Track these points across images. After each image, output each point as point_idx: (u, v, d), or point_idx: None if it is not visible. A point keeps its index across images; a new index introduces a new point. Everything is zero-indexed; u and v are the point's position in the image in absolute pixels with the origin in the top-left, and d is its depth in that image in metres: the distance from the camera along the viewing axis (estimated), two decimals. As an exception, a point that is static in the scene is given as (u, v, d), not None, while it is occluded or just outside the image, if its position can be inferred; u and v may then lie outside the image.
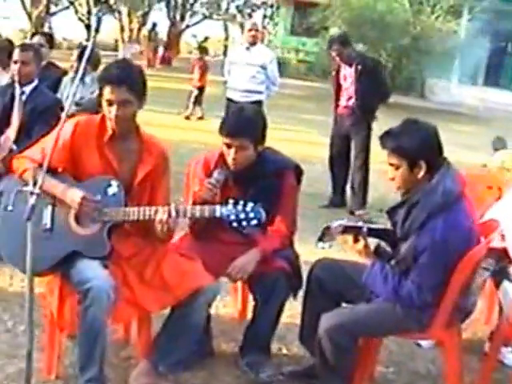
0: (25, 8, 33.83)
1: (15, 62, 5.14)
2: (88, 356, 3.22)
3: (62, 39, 45.96)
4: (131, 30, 29.34)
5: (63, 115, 3.03)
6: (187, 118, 13.98)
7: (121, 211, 3.32)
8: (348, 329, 3.25)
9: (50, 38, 6.78)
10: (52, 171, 3.37)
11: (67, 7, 36.64)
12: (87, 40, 38.37)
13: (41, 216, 3.35)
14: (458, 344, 3.41)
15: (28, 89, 5.12)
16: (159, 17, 36.22)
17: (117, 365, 3.70)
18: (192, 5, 38.65)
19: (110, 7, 29.85)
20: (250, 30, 7.86)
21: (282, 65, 27.53)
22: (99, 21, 3.31)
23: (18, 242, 3.18)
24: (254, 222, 3.25)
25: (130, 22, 29.07)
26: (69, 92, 6.52)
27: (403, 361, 4.07)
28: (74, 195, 3.29)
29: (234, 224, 3.26)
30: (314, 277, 3.63)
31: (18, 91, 5.17)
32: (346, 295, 3.52)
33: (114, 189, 3.35)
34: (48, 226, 3.35)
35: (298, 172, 3.91)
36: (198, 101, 14.23)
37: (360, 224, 3.39)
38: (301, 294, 3.80)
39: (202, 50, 15.62)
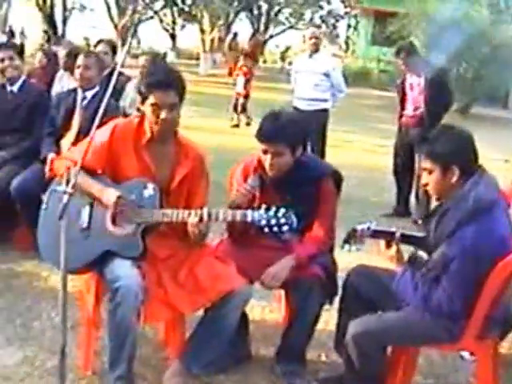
0: (111, 18, 34.79)
1: (78, 67, 5.33)
2: (117, 354, 3.29)
3: (147, 48, 47.10)
4: (212, 40, 29.66)
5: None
6: (236, 125, 13.86)
7: (155, 213, 3.38)
8: (374, 336, 3.21)
9: (113, 46, 6.94)
10: (91, 172, 3.47)
11: (151, 17, 37.34)
12: (172, 49, 39.28)
13: (79, 215, 3.45)
14: (493, 357, 3.32)
15: (89, 94, 5.28)
16: (242, 27, 36.47)
17: (155, 365, 3.75)
18: (276, 15, 38.82)
19: (193, 16, 30.24)
20: (311, 38, 7.86)
21: (363, 75, 27.53)
22: (137, 26, 3.39)
23: (54, 241, 3.28)
24: (285, 227, 3.25)
25: (212, 31, 29.39)
26: (132, 98, 6.67)
27: (444, 373, 3.99)
28: (109, 195, 3.37)
29: (266, 229, 3.27)
30: (349, 284, 3.61)
31: (79, 96, 5.35)
32: (380, 303, 3.47)
33: (149, 191, 3.42)
34: (85, 225, 3.44)
35: (338, 178, 3.89)
36: (243, 109, 14.07)
37: (393, 229, 3.34)
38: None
39: (247, 56, 15.34)
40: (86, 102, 5.25)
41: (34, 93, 5.56)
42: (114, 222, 3.42)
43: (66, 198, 3.07)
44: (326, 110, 7.86)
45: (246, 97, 14.11)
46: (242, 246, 3.77)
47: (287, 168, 3.67)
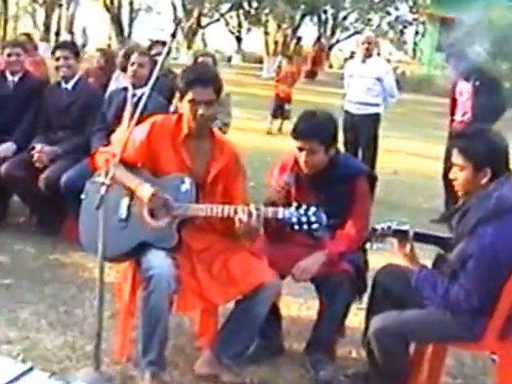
0: (177, 20, 35.18)
1: (132, 64, 5.53)
2: (148, 340, 3.42)
3: (214, 51, 47.47)
4: (276, 43, 29.80)
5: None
6: (279, 129, 13.43)
7: (190, 207, 3.51)
8: (395, 331, 3.26)
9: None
10: (132, 166, 3.62)
11: (218, 20, 37.66)
12: (238, 52, 39.55)
13: (118, 206, 3.60)
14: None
15: (139, 92, 5.45)
16: (308, 31, 36.43)
17: (188, 354, 3.88)
18: (343, 20, 38.67)
19: (258, 20, 30.39)
20: (363, 43, 7.90)
21: (427, 82, 27.24)
22: (177, 26, 3.52)
23: (93, 230, 3.45)
24: (315, 225, 3.34)
25: (276, 35, 29.53)
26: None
27: (473, 374, 4.00)
28: (144, 191, 3.51)
29: (296, 227, 3.36)
30: (378, 282, 3.66)
31: (130, 93, 5.53)
32: (407, 302, 3.51)
33: (186, 186, 3.54)
34: (123, 216, 3.59)
35: (372, 179, 3.96)
36: (283, 114, 13.42)
37: (405, 228, 3.39)
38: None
39: (290, 59, 15.14)
40: (135, 99, 5.42)
41: (87, 91, 5.77)
42: (151, 214, 3.56)
43: (103, 189, 3.24)
44: (377, 115, 7.88)
45: (288, 101, 13.59)
46: (276, 242, 3.87)
47: (321, 166, 3.76)
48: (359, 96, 7.91)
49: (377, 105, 7.87)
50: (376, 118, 7.89)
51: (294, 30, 33.59)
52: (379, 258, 4.18)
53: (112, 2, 35.42)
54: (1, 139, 5.68)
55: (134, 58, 5.59)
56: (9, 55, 5.93)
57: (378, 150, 8.09)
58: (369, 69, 7.82)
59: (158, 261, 3.39)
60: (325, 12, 36.21)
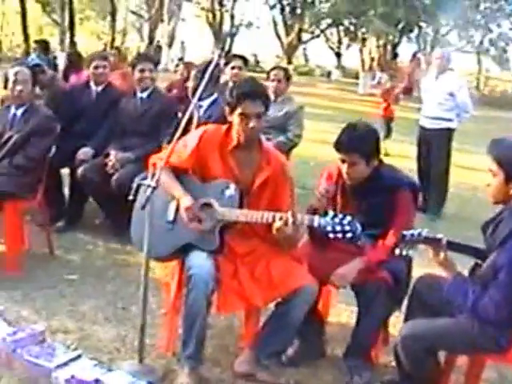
0: (278, 35, 35.70)
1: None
2: (187, 335, 3.61)
3: (315, 66, 47.67)
4: (372, 59, 29.73)
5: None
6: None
7: (233, 212, 3.68)
8: (420, 339, 3.31)
9: (246, 61, 7.40)
10: (182, 172, 3.84)
11: (318, 35, 37.90)
12: (337, 67, 39.59)
13: (167, 209, 3.82)
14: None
15: (206, 103, 5.72)
16: (409, 48, 36.13)
17: (232, 353, 4.03)
18: (443, 37, 38.13)
19: (355, 36, 30.40)
20: (437, 59, 7.90)
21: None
22: (231, 38, 3.71)
23: (142, 230, 3.67)
24: (349, 234, 3.45)
25: (371, 51, 29.48)
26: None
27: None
28: (183, 203, 3.71)
29: (331, 235, 3.47)
30: (415, 292, 3.73)
31: (193, 103, 5.79)
32: (440, 312, 3.56)
33: (231, 191, 3.73)
34: (171, 218, 3.80)
35: (415, 190, 4.02)
36: (389, 133, 12.67)
37: (439, 236, 3.42)
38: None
39: (393, 75, 14.82)
40: (202, 110, 5.67)
41: (161, 100, 6.07)
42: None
43: (149, 190, 3.47)
44: (449, 130, 7.85)
45: (391, 120, 12.96)
46: (319, 248, 3.99)
47: (362, 177, 3.87)
48: (432, 111, 7.90)
49: (449, 120, 7.83)
50: (448, 132, 7.86)
51: (394, 46, 33.44)
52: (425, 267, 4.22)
53: (214, 17, 36.31)
54: (81, 144, 6.04)
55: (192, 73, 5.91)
56: (96, 67, 6.33)
57: (450, 165, 8.04)
58: (442, 84, 7.81)
59: (198, 261, 3.58)
60: (420, 28, 35.61)
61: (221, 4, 37.53)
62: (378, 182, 3.91)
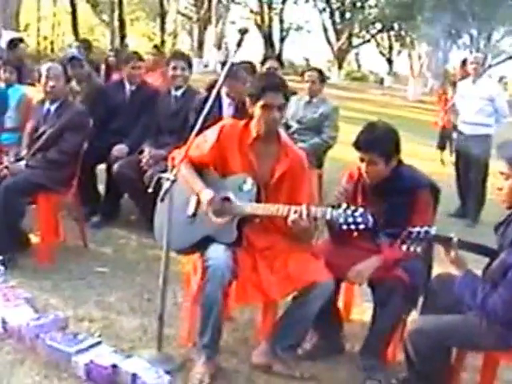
0: (328, 40, 35.70)
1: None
2: (204, 324, 3.71)
3: (368, 72, 47.52)
4: (422, 66, 29.55)
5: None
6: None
7: (249, 206, 3.78)
8: (428, 334, 3.35)
9: (281, 62, 7.51)
10: (203, 167, 3.97)
11: (368, 40, 37.80)
12: (389, 73, 39.35)
13: (188, 203, 3.93)
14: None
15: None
16: (461, 55, 35.74)
17: (251, 345, 4.10)
18: (497, 43, 37.65)
19: (404, 41, 30.21)
20: (472, 63, 7.88)
21: None
22: (242, 37, 3.80)
23: (163, 223, 3.79)
24: (362, 226, 3.48)
25: (420, 57, 29.29)
26: (294, 111, 7.13)
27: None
28: (204, 196, 3.83)
29: (344, 227, 3.51)
30: (429, 290, 3.76)
31: (225, 103, 5.96)
32: (454, 310, 3.59)
33: (248, 186, 3.82)
34: (191, 212, 3.92)
35: (435, 191, 4.05)
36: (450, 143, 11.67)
37: (451, 235, 3.45)
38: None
39: (453, 84, 14.09)
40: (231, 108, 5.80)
41: (194, 99, 6.17)
42: (216, 211, 3.86)
43: (168, 183, 3.58)
44: (488, 136, 7.81)
45: (443, 129, 11.97)
46: (338, 245, 4.05)
47: (381, 176, 3.92)
48: (471, 116, 7.86)
49: (488, 125, 7.79)
50: (487, 138, 7.82)
51: (446, 52, 33.12)
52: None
53: (263, 20, 36.48)
54: (116, 141, 6.21)
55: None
56: (133, 68, 6.53)
57: (488, 171, 7.99)
58: (479, 89, 7.77)
59: (215, 253, 3.68)
60: (471, 34, 35.21)
61: (270, 7, 37.74)
62: (398, 182, 3.94)
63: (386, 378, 3.87)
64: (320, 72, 7.29)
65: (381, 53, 40.01)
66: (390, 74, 40.75)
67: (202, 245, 3.83)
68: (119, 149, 6.12)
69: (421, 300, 3.89)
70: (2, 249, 4.79)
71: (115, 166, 5.95)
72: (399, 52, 38.96)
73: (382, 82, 40.41)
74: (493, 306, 3.21)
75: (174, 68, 6.22)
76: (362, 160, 3.91)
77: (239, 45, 3.74)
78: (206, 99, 5.70)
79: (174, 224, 3.77)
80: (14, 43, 9.22)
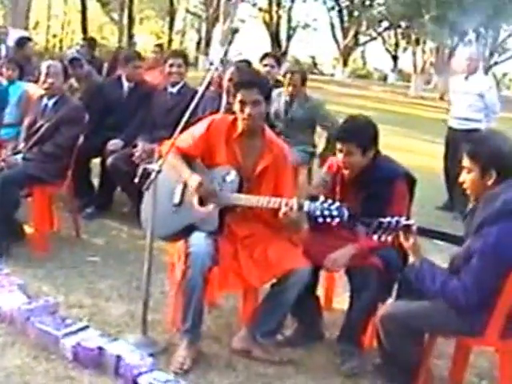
0: (335, 38, 35.79)
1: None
2: (186, 310, 3.87)
3: (373, 69, 47.52)
4: (425, 62, 29.62)
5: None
6: None
7: (232, 196, 3.94)
8: (398, 319, 3.47)
9: (277, 60, 7.62)
10: (191, 158, 4.13)
11: (375, 38, 37.86)
12: (393, 70, 39.43)
13: (173, 192, 4.10)
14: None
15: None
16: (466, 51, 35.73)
17: (234, 331, 4.21)
18: (503, 42, 37.68)
19: (417, 41, 30.20)
20: (466, 60, 7.99)
21: None
22: (234, 34, 3.96)
23: (149, 212, 3.95)
24: (337, 219, 3.61)
25: (424, 53, 29.37)
26: (276, 108, 7.12)
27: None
28: (193, 180, 3.97)
29: (320, 219, 3.64)
30: (403, 277, 3.88)
31: (224, 101, 6.08)
32: (428, 296, 3.67)
33: (231, 177, 3.98)
34: (177, 201, 4.08)
35: (410, 181, 4.18)
36: None
37: (410, 222, 3.55)
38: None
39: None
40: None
41: (189, 95, 6.31)
42: (200, 201, 4.02)
43: (153, 174, 3.74)
44: (477, 130, 7.91)
45: None
46: (317, 233, 4.17)
47: (358, 167, 4.05)
48: (462, 112, 7.98)
49: (478, 121, 7.89)
50: (477, 133, 7.91)
51: (452, 50, 33.18)
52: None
53: (271, 18, 36.60)
54: (112, 136, 6.38)
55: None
56: (134, 67, 6.72)
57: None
58: (471, 85, 7.89)
59: (196, 240, 3.84)
60: (478, 32, 35.24)
61: (278, 5, 37.87)
62: (375, 173, 4.07)
63: (362, 364, 4.01)
64: (302, 73, 7.22)
65: (387, 50, 40.06)
66: (393, 71, 40.79)
67: (185, 233, 3.98)
68: (114, 143, 6.29)
69: (396, 288, 4.02)
70: (-3, 237, 4.99)
71: (109, 160, 6.13)
72: (405, 49, 38.98)
73: (385, 78, 40.46)
74: (453, 291, 3.33)
75: (171, 65, 6.40)
76: (340, 151, 4.05)
77: (230, 43, 3.92)
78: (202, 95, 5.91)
79: (159, 212, 3.95)
80: (21, 42, 9.40)
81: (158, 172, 3.77)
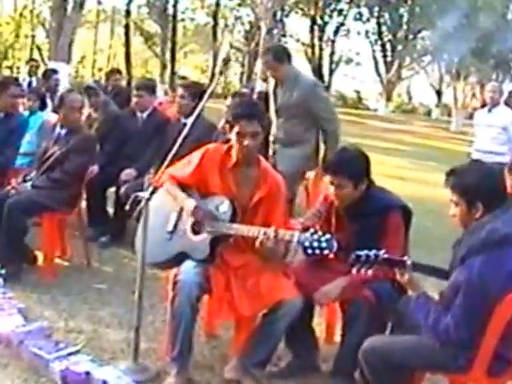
0: (378, 72, 35.79)
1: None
2: (173, 338, 3.89)
3: (418, 104, 47.24)
4: (465, 96, 29.43)
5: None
6: None
7: (224, 226, 3.97)
8: (381, 353, 3.40)
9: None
10: (186, 187, 4.18)
11: (417, 72, 37.71)
12: (437, 105, 39.16)
13: (168, 220, 4.14)
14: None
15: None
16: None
17: (228, 362, 4.20)
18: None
19: (458, 76, 30.02)
20: (489, 92, 7.95)
21: None
22: (226, 64, 4.02)
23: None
24: (326, 251, 3.61)
25: (464, 88, 29.20)
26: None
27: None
28: (189, 204, 4.04)
29: (309, 251, 3.63)
30: (397, 311, 3.79)
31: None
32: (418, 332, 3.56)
33: (224, 207, 4.01)
34: (171, 228, 4.13)
35: (407, 213, 4.13)
36: None
37: (404, 258, 3.50)
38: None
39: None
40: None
41: (201, 126, 6.35)
42: (193, 230, 4.06)
43: (143, 203, 3.80)
44: (501, 164, 7.83)
45: None
46: (311, 265, 4.18)
47: (350, 199, 4.04)
48: (485, 145, 7.94)
49: (502, 154, 7.81)
50: (501, 166, 7.82)
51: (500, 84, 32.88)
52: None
53: (313, 53, 36.81)
54: (127, 165, 6.49)
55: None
56: (137, 96, 6.90)
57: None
58: (495, 118, 7.86)
59: (186, 268, 3.88)
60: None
61: (321, 39, 38.08)
62: (370, 204, 4.04)
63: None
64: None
65: (431, 85, 39.82)
66: (438, 105, 40.52)
67: (178, 260, 4.02)
68: (128, 173, 6.42)
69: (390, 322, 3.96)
70: (4, 262, 5.12)
71: (122, 189, 6.23)
72: (448, 84, 38.72)
73: (429, 113, 40.17)
74: (445, 327, 3.24)
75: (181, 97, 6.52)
76: (331, 183, 4.03)
77: (221, 74, 3.97)
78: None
79: (153, 240, 4.00)
80: (46, 74, 9.65)
81: (148, 200, 3.83)
